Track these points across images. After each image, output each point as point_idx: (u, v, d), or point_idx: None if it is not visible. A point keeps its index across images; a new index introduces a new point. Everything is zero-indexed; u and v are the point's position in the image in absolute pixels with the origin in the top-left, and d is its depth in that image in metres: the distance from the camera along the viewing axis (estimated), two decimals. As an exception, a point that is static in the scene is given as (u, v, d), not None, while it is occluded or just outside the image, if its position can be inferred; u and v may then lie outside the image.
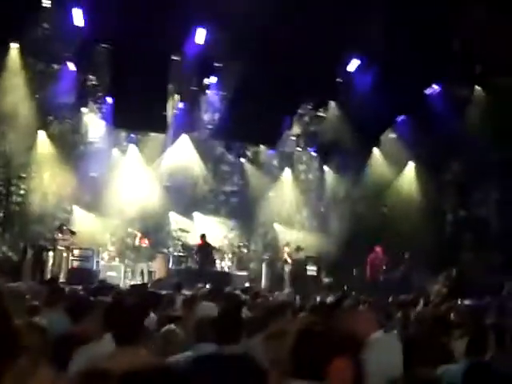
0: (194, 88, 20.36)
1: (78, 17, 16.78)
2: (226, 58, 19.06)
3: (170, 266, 19.85)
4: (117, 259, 19.96)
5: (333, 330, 4.31)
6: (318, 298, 11.95)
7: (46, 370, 3.51)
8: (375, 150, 22.51)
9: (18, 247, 19.23)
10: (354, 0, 15.92)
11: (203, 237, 19.59)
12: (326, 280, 20.81)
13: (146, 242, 20.01)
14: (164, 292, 10.50)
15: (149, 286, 14.24)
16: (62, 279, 16.76)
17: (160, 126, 20.10)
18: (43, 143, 20.40)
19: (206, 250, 19.47)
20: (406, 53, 16.65)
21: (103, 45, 18.78)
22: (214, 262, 19.90)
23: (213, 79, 20.31)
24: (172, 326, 5.78)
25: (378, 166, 22.60)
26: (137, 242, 20.06)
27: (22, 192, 20.62)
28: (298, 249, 20.58)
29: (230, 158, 22.94)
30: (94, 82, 20.27)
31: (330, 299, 11.13)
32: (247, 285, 17.53)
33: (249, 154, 23.04)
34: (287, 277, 19.76)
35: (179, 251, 20.60)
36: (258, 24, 15.87)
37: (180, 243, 20.84)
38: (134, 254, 19.92)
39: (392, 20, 16.15)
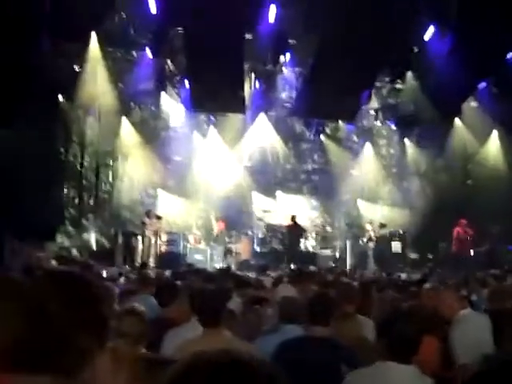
0: (270, 66, 20.24)
1: (152, 3, 16.98)
2: (299, 34, 18.86)
3: (255, 247, 19.97)
4: (203, 242, 20.25)
5: (420, 308, 4.23)
6: (404, 276, 11.74)
7: (144, 353, 3.60)
8: (457, 120, 21.73)
9: (109, 233, 19.88)
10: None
11: (293, 218, 19.57)
12: (411, 256, 20.42)
13: (221, 225, 20.19)
14: (249, 274, 10.56)
15: (234, 268, 14.37)
16: (151, 264, 17.16)
17: (238, 106, 20.16)
18: (127, 130, 20.91)
19: (296, 231, 19.46)
20: (485, 16, 15.90)
21: (178, 29, 18.97)
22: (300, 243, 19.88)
23: (288, 56, 20.15)
24: (257, 307, 5.79)
25: (461, 136, 21.84)
26: (214, 227, 20.32)
27: (109, 179, 21.26)
28: (382, 225, 20.26)
29: (309, 136, 22.77)
30: (171, 67, 20.52)
31: (415, 276, 10.92)
32: (332, 264, 17.41)
33: (328, 130, 22.80)
34: (371, 254, 19.48)
35: (263, 232, 20.67)
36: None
37: (263, 224, 20.89)
38: (216, 237, 20.16)
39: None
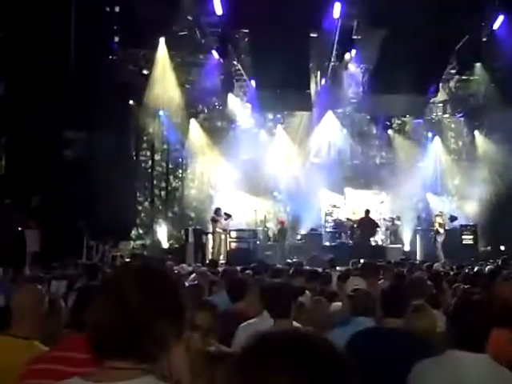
0: (335, 63, 20.18)
1: (217, 5, 17.23)
2: (364, 30, 18.72)
3: (324, 242, 20.06)
4: (272, 239, 20.48)
5: (491, 300, 4.23)
6: (476, 268, 11.59)
7: (216, 346, 3.79)
8: (528, 111, 21.15)
9: (180, 231, 20.38)
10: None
11: (367, 212, 19.58)
12: (483, 248, 20.06)
13: (283, 223, 20.35)
14: (319, 269, 10.66)
15: (304, 263, 14.46)
16: (222, 260, 17.48)
17: (305, 104, 20.22)
18: (195, 131, 21.36)
19: (369, 225, 19.43)
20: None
21: (243, 30, 19.19)
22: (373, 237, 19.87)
23: (353, 52, 20.05)
24: (325, 300, 5.92)
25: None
26: (277, 224, 20.53)
27: (179, 179, 21.79)
28: (452, 218, 19.98)
29: (376, 131, 22.67)
30: (237, 68, 20.77)
31: (487, 268, 10.77)
32: (402, 257, 17.29)
33: (395, 125, 22.63)
34: (441, 247, 19.24)
35: (332, 227, 20.74)
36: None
37: (332, 219, 20.96)
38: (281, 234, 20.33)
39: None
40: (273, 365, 1.26)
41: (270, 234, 20.80)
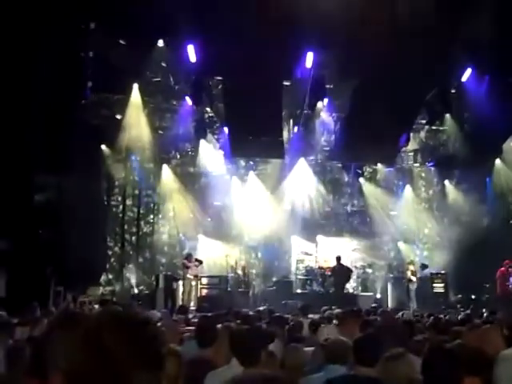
0: (308, 111, 20.42)
1: (191, 53, 17.40)
2: (336, 79, 19.06)
3: (295, 289, 19.97)
4: (243, 285, 20.32)
5: (462, 348, 4.21)
6: (447, 316, 11.58)
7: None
8: (497, 161, 21.58)
9: (150, 277, 20.15)
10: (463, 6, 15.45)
11: (339, 259, 19.58)
12: (454, 297, 20.15)
13: (244, 268, 20.31)
14: (289, 316, 10.56)
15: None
16: (192, 307, 17.27)
17: (277, 151, 20.33)
18: (167, 176, 21.31)
19: (342, 272, 19.41)
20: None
21: (216, 77, 19.38)
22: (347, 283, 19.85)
23: (325, 101, 20.34)
24: (298, 346, 5.84)
25: (502, 176, 21.66)
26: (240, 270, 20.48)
27: (150, 224, 21.65)
28: (423, 266, 20.11)
29: (348, 179, 22.86)
30: (210, 114, 20.91)
31: (458, 317, 10.77)
32: (374, 305, 17.24)
33: (366, 173, 22.86)
34: (413, 295, 19.28)
35: (303, 274, 20.68)
36: (366, 42, 15.79)
37: (303, 266, 20.93)
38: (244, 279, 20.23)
39: (503, 24, 15.57)
40: None
41: (241, 280, 20.63)
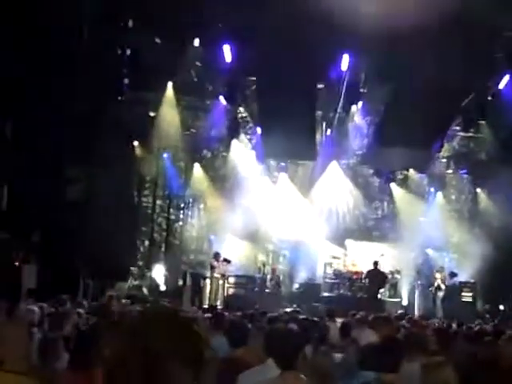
0: (341, 114, 20.33)
1: (226, 53, 17.44)
2: (371, 83, 18.94)
3: (322, 293, 19.90)
4: (270, 287, 20.29)
5: (499, 360, 4.15)
6: (476, 326, 11.42)
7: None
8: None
9: (178, 274, 20.22)
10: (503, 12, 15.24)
11: (376, 263, 19.43)
12: (482, 307, 19.89)
13: (274, 270, 20.23)
14: (317, 319, 10.51)
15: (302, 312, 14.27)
16: (219, 306, 17.29)
17: (309, 153, 20.32)
18: (198, 175, 21.38)
19: (378, 276, 19.29)
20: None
21: (251, 78, 19.40)
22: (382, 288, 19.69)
23: (359, 104, 20.23)
24: (327, 351, 5.81)
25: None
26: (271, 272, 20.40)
27: (180, 222, 21.75)
28: (452, 274, 19.87)
29: (379, 183, 22.70)
30: (243, 115, 20.92)
31: (488, 327, 10.63)
32: (401, 311, 17.08)
33: (398, 178, 22.67)
34: (440, 303, 19.05)
35: (331, 278, 20.59)
36: (403, 47, 15.70)
37: (332, 270, 20.84)
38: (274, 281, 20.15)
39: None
40: None
41: (268, 281, 20.61)
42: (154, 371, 1.71)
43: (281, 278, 20.29)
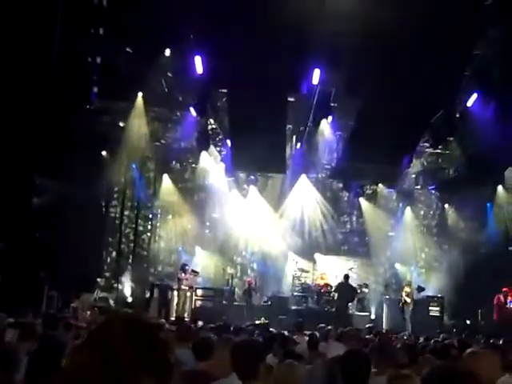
0: (311, 128, 20.37)
1: (198, 64, 17.38)
2: (341, 97, 19.03)
3: (290, 306, 19.87)
4: (238, 299, 20.21)
5: (459, 373, 4.15)
6: (443, 340, 11.48)
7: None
8: (499, 188, 21.58)
9: (145, 286, 20.02)
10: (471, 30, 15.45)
11: (346, 277, 19.37)
12: (449, 321, 20.06)
13: (250, 283, 20.14)
14: (285, 332, 10.47)
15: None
16: (186, 318, 17.15)
17: (279, 167, 20.29)
18: (167, 186, 21.26)
19: (348, 290, 19.27)
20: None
21: (222, 90, 19.35)
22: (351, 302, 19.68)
23: (329, 119, 20.30)
24: (295, 362, 5.74)
25: (503, 203, 21.64)
26: (245, 284, 20.33)
27: (147, 234, 21.57)
28: (420, 289, 20.00)
29: (348, 197, 22.82)
30: (214, 126, 20.86)
31: (454, 341, 10.68)
32: (369, 325, 17.11)
33: (367, 192, 22.80)
34: (408, 317, 19.15)
35: (299, 291, 20.58)
36: (373, 62, 15.81)
37: (300, 283, 20.82)
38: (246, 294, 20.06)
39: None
40: None
41: (236, 293, 20.53)
42: (114, 379, 1.63)
43: (249, 291, 20.19)
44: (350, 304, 19.50)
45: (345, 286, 19.24)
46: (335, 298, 19.50)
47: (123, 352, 1.65)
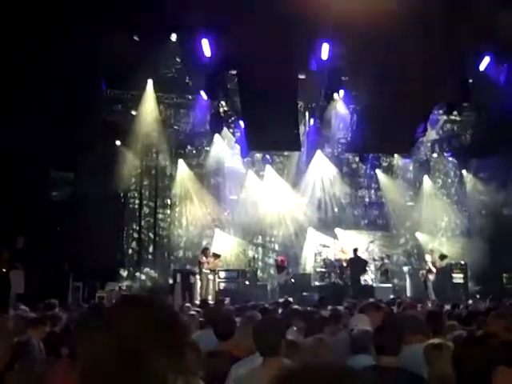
0: (324, 103, 20.25)
1: (205, 47, 17.31)
2: (352, 71, 18.85)
3: (313, 282, 19.91)
4: (261, 279, 20.29)
5: (491, 337, 4.13)
6: (468, 307, 11.46)
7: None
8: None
9: (168, 272, 20.15)
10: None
11: (355, 251, 19.52)
12: (473, 287, 19.99)
13: (283, 261, 20.16)
14: (309, 308, 10.48)
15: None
16: (210, 301, 17.25)
17: (294, 144, 20.19)
18: (183, 172, 21.29)
19: (358, 263, 19.35)
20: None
21: (232, 71, 19.27)
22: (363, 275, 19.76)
23: (341, 93, 20.17)
24: (320, 336, 5.75)
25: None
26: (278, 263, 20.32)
27: (167, 220, 21.65)
28: (442, 257, 19.92)
29: (365, 170, 22.72)
30: (226, 109, 20.80)
31: (480, 307, 10.65)
32: (392, 296, 17.12)
33: (384, 164, 22.68)
34: (432, 286, 19.10)
35: (321, 267, 20.61)
36: (383, 32, 15.61)
37: (321, 259, 20.85)
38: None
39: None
40: None
41: (259, 274, 20.62)
42: (127, 360, 1.64)
43: (271, 270, 20.26)
44: (365, 276, 19.59)
45: (355, 260, 19.31)
46: (347, 273, 19.58)
47: (137, 334, 1.66)
